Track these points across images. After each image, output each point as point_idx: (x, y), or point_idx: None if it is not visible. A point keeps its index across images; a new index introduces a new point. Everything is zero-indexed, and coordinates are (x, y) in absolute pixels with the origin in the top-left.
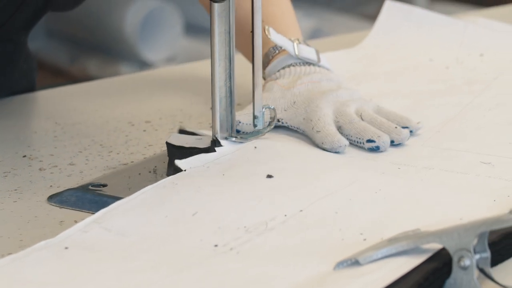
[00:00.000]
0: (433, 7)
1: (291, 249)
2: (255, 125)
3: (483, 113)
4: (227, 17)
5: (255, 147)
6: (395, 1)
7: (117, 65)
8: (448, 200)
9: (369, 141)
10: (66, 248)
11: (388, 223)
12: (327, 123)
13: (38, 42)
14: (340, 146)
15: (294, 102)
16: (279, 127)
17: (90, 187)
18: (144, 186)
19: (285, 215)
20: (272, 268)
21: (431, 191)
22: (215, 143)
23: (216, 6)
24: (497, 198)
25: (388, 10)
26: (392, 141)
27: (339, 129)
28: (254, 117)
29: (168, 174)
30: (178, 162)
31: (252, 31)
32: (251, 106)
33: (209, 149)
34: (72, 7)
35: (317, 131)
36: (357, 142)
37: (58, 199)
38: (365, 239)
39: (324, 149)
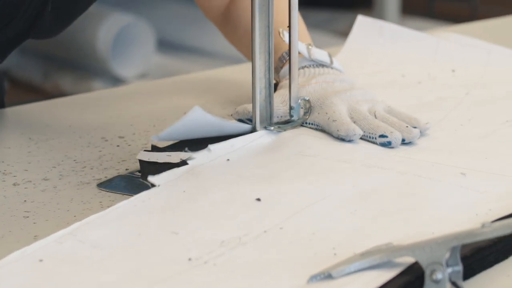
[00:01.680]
0: (405, 23)
1: (265, 263)
2: (291, 116)
3: (455, 128)
4: (267, 12)
5: (228, 160)
6: (367, 17)
7: (90, 81)
8: (420, 214)
9: (382, 136)
10: (41, 260)
11: (361, 237)
12: (342, 115)
13: (11, 59)
14: (355, 134)
15: (321, 104)
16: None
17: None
18: None
19: (259, 230)
20: (246, 281)
21: (403, 205)
22: (185, 161)
23: (257, 0)
24: (470, 212)
25: (360, 26)
26: (403, 140)
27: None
28: (290, 108)
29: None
30: (152, 178)
31: (289, 27)
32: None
33: (181, 165)
34: (55, 34)
35: (333, 120)
36: (370, 137)
37: (108, 185)
38: (337, 254)
39: (339, 137)
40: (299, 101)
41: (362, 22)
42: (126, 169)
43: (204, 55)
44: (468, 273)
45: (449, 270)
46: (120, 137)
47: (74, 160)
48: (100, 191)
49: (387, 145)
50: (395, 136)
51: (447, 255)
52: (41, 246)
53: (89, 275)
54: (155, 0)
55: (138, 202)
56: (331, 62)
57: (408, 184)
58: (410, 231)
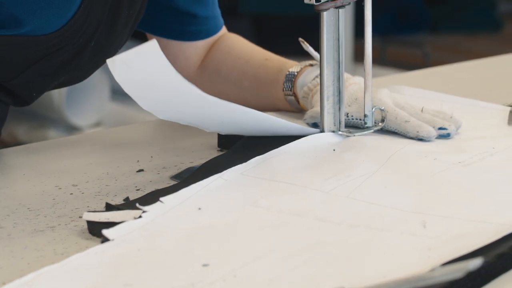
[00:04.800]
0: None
1: None
2: (364, 123)
3: (408, 166)
4: (336, 26)
5: (200, 208)
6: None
7: (45, 130)
8: (371, 259)
9: (441, 128)
10: None
11: (314, 282)
12: (406, 115)
13: None
14: (434, 136)
15: (356, 99)
16: None
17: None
18: None
19: (213, 277)
20: None
21: (354, 253)
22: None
23: (324, 14)
24: (421, 256)
25: None
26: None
27: None
28: (364, 115)
29: (92, 231)
30: (106, 232)
31: (364, 41)
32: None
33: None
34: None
35: (405, 121)
36: None
37: (179, 175)
38: None
39: (417, 137)
40: (373, 109)
41: None
42: (80, 217)
43: None
44: None
45: None
46: (73, 185)
47: (28, 208)
48: (54, 238)
49: (446, 136)
50: (452, 128)
51: None
52: None
53: None
54: None
55: (92, 254)
56: None
57: (359, 236)
58: (361, 275)
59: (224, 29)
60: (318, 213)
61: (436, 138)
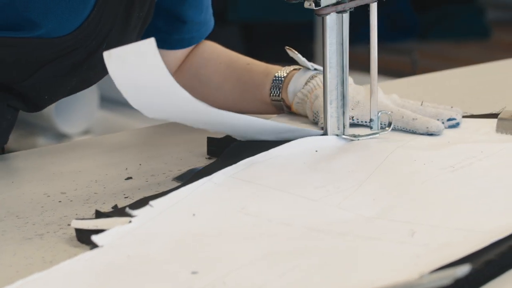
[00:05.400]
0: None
1: None
2: (370, 127)
3: (397, 171)
4: (340, 30)
5: (194, 214)
6: None
7: (34, 138)
8: (359, 266)
9: (450, 119)
10: None
11: None
12: (412, 113)
13: None
14: (443, 129)
15: (358, 102)
16: None
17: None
18: None
19: (202, 283)
20: None
21: (342, 258)
22: (129, 214)
23: (327, 19)
24: (409, 263)
25: None
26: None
27: None
28: (370, 120)
29: (81, 239)
30: (95, 238)
31: (370, 45)
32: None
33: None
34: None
35: (413, 118)
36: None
37: (181, 177)
38: None
39: (428, 132)
40: (379, 114)
41: None
42: (68, 225)
43: None
44: None
45: None
46: (62, 192)
47: (17, 216)
48: (43, 246)
49: (455, 126)
50: (459, 117)
51: None
52: None
53: None
54: None
55: (82, 261)
56: None
57: (348, 243)
58: (349, 282)
59: None
60: (307, 221)
61: (446, 128)
